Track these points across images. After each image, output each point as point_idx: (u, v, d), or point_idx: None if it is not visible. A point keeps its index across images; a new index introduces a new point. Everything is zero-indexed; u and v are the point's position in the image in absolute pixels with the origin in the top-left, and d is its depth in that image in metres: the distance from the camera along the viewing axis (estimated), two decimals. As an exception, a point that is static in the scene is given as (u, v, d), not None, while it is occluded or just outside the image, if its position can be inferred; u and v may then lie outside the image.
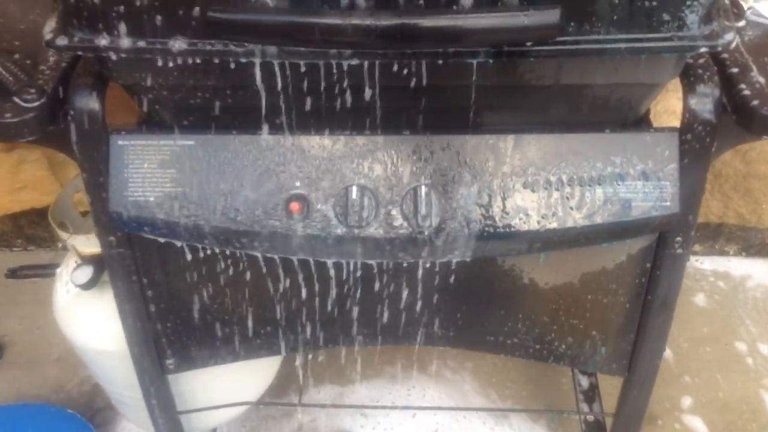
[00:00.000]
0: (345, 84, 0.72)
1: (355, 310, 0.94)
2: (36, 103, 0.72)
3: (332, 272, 0.87)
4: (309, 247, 0.80)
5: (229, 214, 0.78)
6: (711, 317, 1.57)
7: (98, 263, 0.95)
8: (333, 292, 0.90)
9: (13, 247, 1.74)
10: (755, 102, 0.72)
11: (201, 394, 1.11)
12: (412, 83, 0.71)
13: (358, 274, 0.87)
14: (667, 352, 1.49)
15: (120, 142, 0.78)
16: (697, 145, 0.78)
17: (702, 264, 1.69)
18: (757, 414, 1.39)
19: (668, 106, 1.35)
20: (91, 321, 1.02)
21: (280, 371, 1.29)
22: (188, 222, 0.78)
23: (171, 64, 0.68)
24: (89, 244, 0.96)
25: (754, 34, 0.82)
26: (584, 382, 1.32)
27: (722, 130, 0.77)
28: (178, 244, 0.84)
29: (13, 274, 1.27)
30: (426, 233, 0.78)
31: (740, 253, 1.69)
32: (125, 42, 0.66)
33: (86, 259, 0.97)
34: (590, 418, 1.26)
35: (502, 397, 1.42)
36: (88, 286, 0.96)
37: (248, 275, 0.89)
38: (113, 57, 0.67)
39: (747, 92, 0.73)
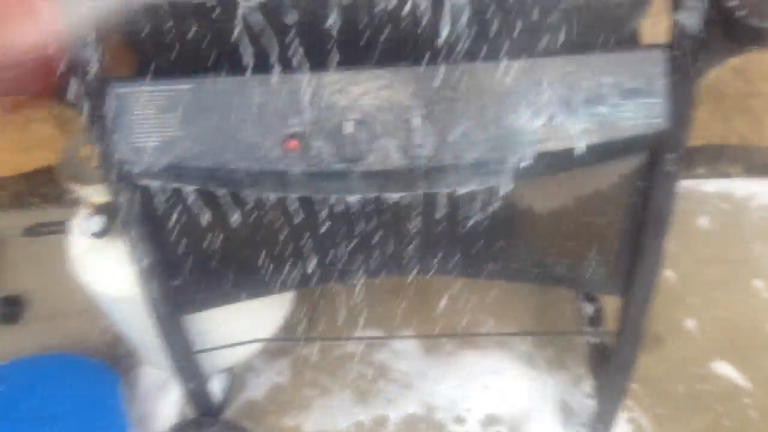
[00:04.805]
0: (337, 17, 0.73)
1: (361, 244, 0.97)
2: (35, 55, 0.73)
3: (335, 207, 0.89)
4: (307, 184, 0.82)
5: (228, 155, 0.80)
6: (714, 239, 1.59)
7: (110, 212, 0.98)
8: (337, 227, 0.93)
9: (29, 206, 1.78)
10: (742, 12, 0.72)
11: (217, 333, 1.16)
12: (404, 11, 0.72)
13: (359, 207, 0.90)
14: (671, 274, 1.52)
15: (121, 90, 0.80)
16: (686, 60, 0.78)
17: (705, 186, 1.70)
18: (758, 331, 1.42)
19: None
20: (106, 269, 1.06)
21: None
22: (189, 165, 0.80)
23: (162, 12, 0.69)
24: (99, 193, 0.99)
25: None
26: (588, 307, 1.35)
27: (710, 43, 0.78)
28: (184, 187, 0.86)
29: (30, 232, 1.31)
30: (422, 164, 0.80)
31: (743, 174, 1.70)
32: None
33: (98, 209, 1.00)
34: (594, 340, 1.29)
35: (508, 327, 1.46)
36: (101, 234, 0.99)
37: (255, 214, 0.91)
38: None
39: (734, 2, 0.73)
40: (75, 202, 1.10)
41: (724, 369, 1.37)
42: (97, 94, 0.79)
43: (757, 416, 1.30)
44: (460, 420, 1.32)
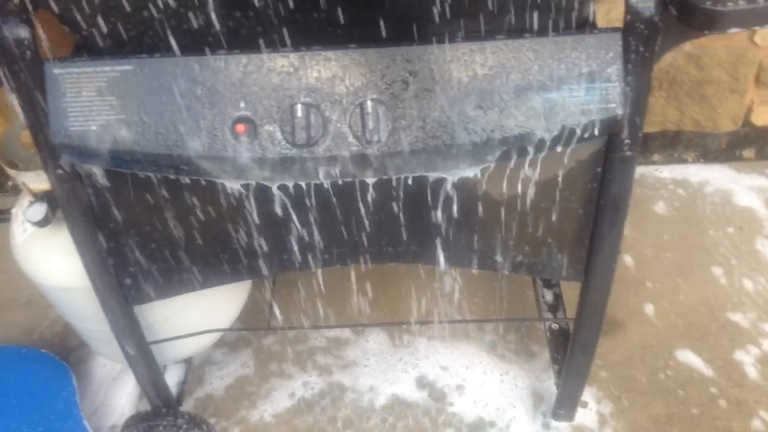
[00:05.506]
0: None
1: (316, 231, 0.94)
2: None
3: (287, 193, 0.87)
4: (257, 169, 0.79)
5: (173, 139, 0.77)
6: (671, 224, 1.61)
7: (52, 199, 0.94)
8: (290, 214, 0.90)
9: (-30, 195, 1.72)
10: (696, -5, 0.71)
11: (171, 324, 1.13)
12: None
13: (313, 193, 0.87)
14: (629, 260, 1.53)
15: (55, 71, 0.76)
16: (640, 45, 0.78)
17: (661, 173, 1.72)
18: (717, 317, 1.44)
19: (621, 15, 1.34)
20: (51, 258, 1.02)
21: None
22: (131, 149, 0.77)
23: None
24: (40, 180, 0.95)
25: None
26: (548, 294, 1.35)
27: (665, 27, 0.77)
28: (127, 172, 0.83)
29: (-30, 221, 1.25)
30: (375, 149, 0.78)
31: (698, 160, 1.72)
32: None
33: (39, 196, 0.96)
34: (555, 326, 1.30)
35: (470, 313, 1.45)
36: (43, 223, 0.95)
37: (203, 200, 0.88)
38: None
39: (687, -14, 0.72)
40: (18, 190, 1.06)
41: (687, 356, 1.38)
42: (32, 76, 0.75)
43: (725, 404, 1.31)
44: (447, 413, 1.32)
